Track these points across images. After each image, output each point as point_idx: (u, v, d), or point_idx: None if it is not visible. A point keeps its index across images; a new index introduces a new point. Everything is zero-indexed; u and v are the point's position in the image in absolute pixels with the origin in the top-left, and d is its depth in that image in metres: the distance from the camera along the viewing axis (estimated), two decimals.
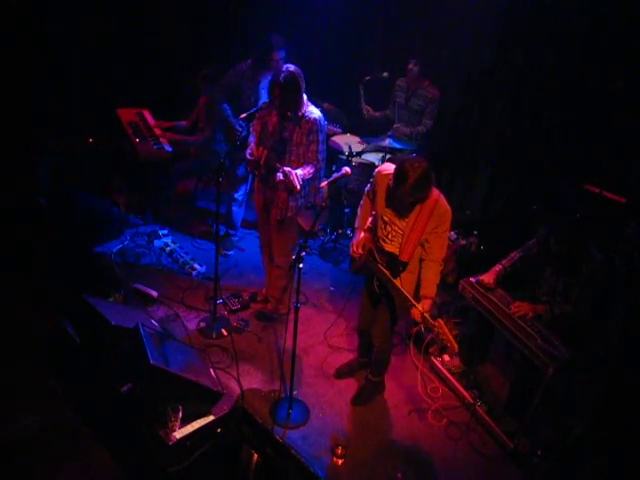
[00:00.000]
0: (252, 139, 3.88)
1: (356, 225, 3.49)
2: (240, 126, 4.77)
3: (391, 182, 3.01)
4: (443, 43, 5.30)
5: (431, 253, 3.18)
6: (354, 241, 3.42)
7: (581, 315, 3.43)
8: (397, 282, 3.20)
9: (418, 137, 5.27)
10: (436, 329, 2.99)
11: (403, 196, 2.96)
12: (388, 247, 3.26)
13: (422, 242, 3.17)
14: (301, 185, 3.59)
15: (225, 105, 4.80)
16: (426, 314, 3.07)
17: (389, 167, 3.16)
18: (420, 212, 3.08)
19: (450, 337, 2.97)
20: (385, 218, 3.23)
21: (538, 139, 4.77)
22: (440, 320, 3.01)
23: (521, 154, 4.89)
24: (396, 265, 3.22)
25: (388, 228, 3.23)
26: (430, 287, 3.20)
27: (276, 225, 3.97)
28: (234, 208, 5.09)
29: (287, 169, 3.58)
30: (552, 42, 4.54)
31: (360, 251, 3.37)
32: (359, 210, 3.50)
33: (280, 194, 3.82)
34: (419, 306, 3.10)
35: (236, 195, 5.04)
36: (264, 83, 4.51)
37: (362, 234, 3.40)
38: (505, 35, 4.86)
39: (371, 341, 3.61)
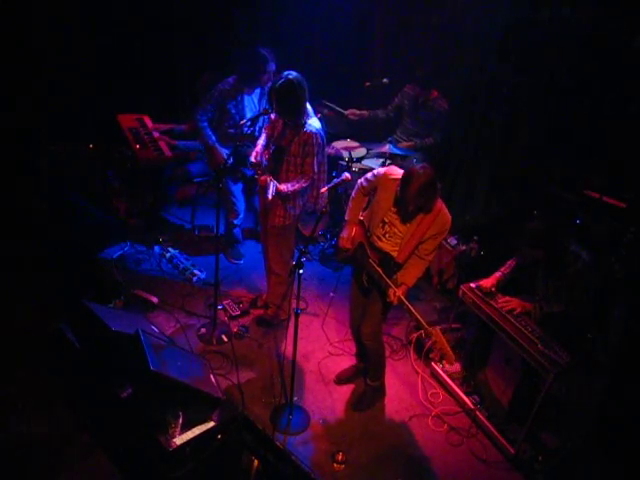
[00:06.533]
0: (261, 141, 3.88)
1: (346, 217, 3.50)
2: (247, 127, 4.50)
3: (399, 187, 3.08)
4: (444, 49, 5.30)
5: (423, 252, 3.27)
6: (344, 235, 3.43)
7: (580, 317, 3.43)
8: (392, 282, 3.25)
9: (424, 148, 5.23)
10: (433, 337, 3.02)
11: (408, 201, 3.04)
12: (382, 245, 3.31)
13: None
14: (273, 195, 3.60)
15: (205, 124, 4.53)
16: (402, 296, 3.14)
17: (396, 171, 3.24)
18: (423, 220, 3.16)
19: (446, 346, 2.99)
20: (386, 219, 3.28)
21: (539, 142, 4.77)
22: (437, 328, 3.04)
23: (522, 156, 4.88)
24: (390, 265, 3.28)
25: (387, 228, 3.28)
26: (410, 277, 3.30)
27: (272, 232, 3.98)
28: (234, 230, 5.04)
29: (268, 178, 3.61)
30: (553, 48, 4.55)
31: (350, 246, 3.41)
32: (350, 203, 3.51)
33: (278, 201, 3.82)
34: (396, 289, 3.17)
35: (235, 221, 4.95)
36: (248, 100, 4.46)
37: (353, 229, 3.43)
38: (506, 41, 4.85)
39: (362, 342, 3.61)
